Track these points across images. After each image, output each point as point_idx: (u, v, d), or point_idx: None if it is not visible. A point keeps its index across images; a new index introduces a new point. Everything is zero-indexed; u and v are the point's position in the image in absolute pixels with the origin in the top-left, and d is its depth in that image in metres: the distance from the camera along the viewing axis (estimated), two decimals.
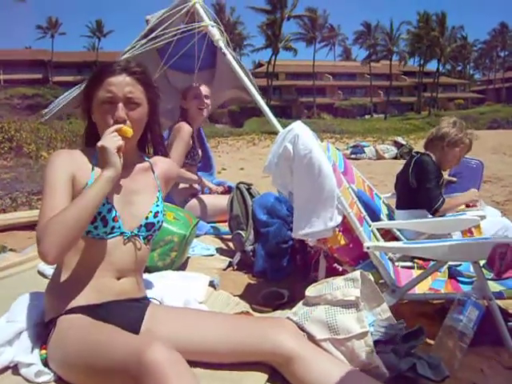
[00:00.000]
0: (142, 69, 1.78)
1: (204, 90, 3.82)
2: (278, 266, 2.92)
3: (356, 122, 41.89)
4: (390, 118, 52.16)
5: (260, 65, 60.60)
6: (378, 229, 2.80)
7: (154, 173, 1.89)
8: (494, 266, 1.97)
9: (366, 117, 54.93)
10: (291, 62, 63.06)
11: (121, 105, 1.69)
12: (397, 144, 15.05)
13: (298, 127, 2.32)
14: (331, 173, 2.25)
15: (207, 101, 3.81)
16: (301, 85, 59.61)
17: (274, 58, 53.54)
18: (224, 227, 3.75)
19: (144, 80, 1.77)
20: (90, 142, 1.81)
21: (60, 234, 1.50)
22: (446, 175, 3.84)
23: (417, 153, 3.39)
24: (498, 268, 1.97)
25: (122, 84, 1.70)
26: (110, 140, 1.62)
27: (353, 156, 14.04)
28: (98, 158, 1.69)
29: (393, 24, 61.17)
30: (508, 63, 73.13)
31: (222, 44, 3.51)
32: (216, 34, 3.53)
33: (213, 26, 3.54)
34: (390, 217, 3.36)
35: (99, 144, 1.62)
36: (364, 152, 14.64)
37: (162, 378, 1.21)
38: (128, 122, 1.70)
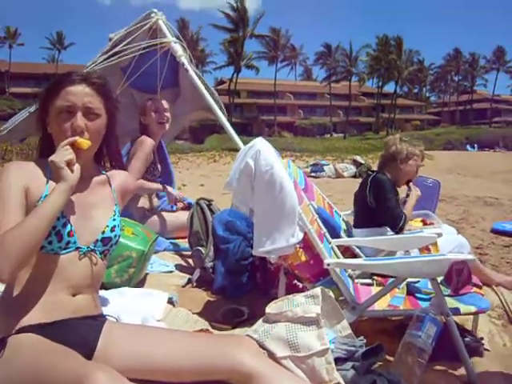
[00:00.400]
0: (102, 80, 1.75)
1: (163, 103, 3.79)
2: (238, 283, 2.89)
3: (316, 141, 42.42)
4: (349, 137, 53.11)
5: (222, 82, 60.87)
6: (337, 246, 2.81)
7: (110, 186, 1.84)
8: (452, 282, 2.00)
9: (326, 136, 55.79)
10: (253, 80, 63.66)
11: (79, 114, 1.65)
12: (356, 163, 15.31)
13: (260, 143, 2.32)
14: (292, 189, 2.25)
15: (167, 114, 3.78)
16: (262, 103, 60.24)
17: (235, 75, 53.92)
18: (184, 243, 3.70)
19: (104, 91, 1.73)
20: (44, 154, 1.75)
21: (14, 251, 1.43)
22: (403, 194, 3.92)
23: (372, 171, 3.44)
24: (455, 284, 2.00)
25: (81, 94, 1.66)
26: (60, 154, 1.57)
27: (313, 174, 14.18)
28: (51, 170, 1.64)
29: (352, 46, 62.69)
30: (461, 87, 75.85)
31: (184, 60, 3.51)
32: (179, 50, 3.54)
33: (175, 43, 3.55)
34: (349, 234, 3.39)
35: (49, 158, 1.57)
36: (323, 170, 14.81)
37: None
38: (86, 133, 1.66)
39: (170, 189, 3.81)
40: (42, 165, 1.70)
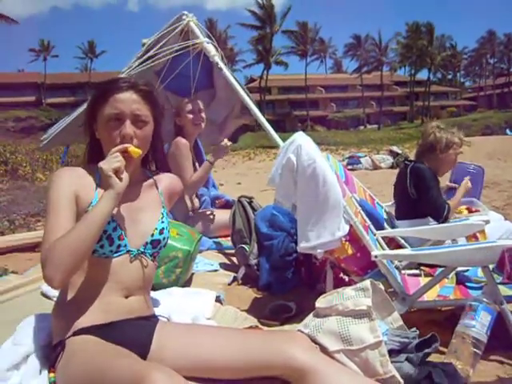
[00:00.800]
0: (149, 87, 1.77)
1: (198, 104, 3.81)
2: (283, 279, 2.89)
3: (350, 134, 42.11)
4: (383, 128, 52.49)
5: (252, 80, 60.88)
6: (382, 238, 2.78)
7: (157, 189, 1.87)
8: (504, 269, 1.95)
9: (360, 128, 55.19)
10: (283, 76, 63.53)
11: (128, 122, 1.67)
12: (392, 153, 15.12)
13: (301, 138, 2.31)
14: (336, 182, 2.24)
15: (202, 114, 3.80)
16: (294, 98, 60.00)
17: (266, 72, 53.89)
18: (227, 242, 3.72)
19: (151, 98, 1.75)
20: (92, 159, 1.79)
21: (64, 258, 1.47)
22: (447, 182, 3.84)
23: (410, 161, 3.37)
24: (508, 271, 1.95)
25: (129, 101, 1.68)
26: (109, 161, 1.59)
27: (349, 167, 14.05)
28: (100, 176, 1.67)
29: (381, 35, 61.84)
30: (498, 69, 73.82)
31: (218, 59, 3.52)
32: (212, 50, 3.55)
33: (208, 43, 3.56)
34: (393, 225, 3.35)
35: (99, 164, 1.60)
36: (360, 162, 14.68)
37: None
38: (135, 140, 1.68)
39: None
40: (90, 170, 1.74)
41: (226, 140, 3.54)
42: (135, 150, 1.64)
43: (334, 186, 2.22)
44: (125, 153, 1.62)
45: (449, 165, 3.35)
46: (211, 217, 3.84)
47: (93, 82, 50.17)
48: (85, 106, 3.46)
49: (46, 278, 1.48)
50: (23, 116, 45.09)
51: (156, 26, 3.68)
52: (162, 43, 3.54)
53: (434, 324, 2.44)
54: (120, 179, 1.59)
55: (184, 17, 3.58)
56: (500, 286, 2.19)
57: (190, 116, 3.75)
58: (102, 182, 1.63)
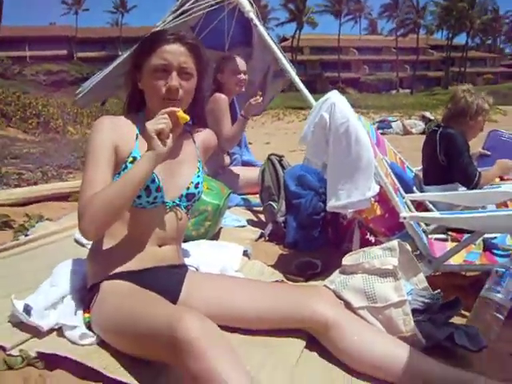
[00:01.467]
0: (196, 41, 1.77)
1: (242, 64, 3.77)
2: (310, 237, 2.91)
3: (382, 97, 41.27)
4: (416, 93, 51.23)
5: (284, 39, 59.79)
6: (411, 201, 2.78)
7: (195, 143, 1.89)
8: None
9: (392, 92, 54.05)
10: (316, 35, 62.38)
11: (175, 73, 1.68)
12: (425, 119, 14.85)
13: (335, 96, 2.30)
14: (368, 142, 2.23)
15: (245, 76, 3.77)
16: (326, 59, 58.87)
17: (298, 32, 52.85)
18: (255, 199, 3.75)
19: (197, 52, 1.76)
20: (133, 109, 1.82)
21: (101, 214, 1.53)
22: (479, 148, 3.78)
23: (439, 126, 3.31)
24: None
25: (176, 53, 1.69)
26: (154, 122, 1.59)
27: (380, 131, 13.79)
28: (141, 127, 1.69)
29: None
30: None
31: (252, 15, 3.49)
32: (246, 5, 3.51)
33: None
34: (422, 190, 3.33)
35: (146, 123, 1.59)
36: (391, 127, 14.50)
37: (195, 350, 1.20)
38: (180, 91, 1.69)
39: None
40: (131, 120, 1.77)
41: (258, 96, 3.50)
42: (184, 116, 1.63)
43: (367, 145, 2.21)
44: (173, 116, 1.61)
45: (476, 131, 3.29)
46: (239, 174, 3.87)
47: (124, 37, 50.00)
48: (120, 59, 3.50)
49: (82, 230, 1.56)
50: (54, 70, 45.31)
51: None
52: None
53: (459, 289, 2.44)
54: (163, 142, 1.59)
55: None
56: None
57: (236, 76, 3.72)
58: (144, 136, 1.64)
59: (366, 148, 2.21)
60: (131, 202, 1.62)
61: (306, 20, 55.84)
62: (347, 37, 61.95)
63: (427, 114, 15.97)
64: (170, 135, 1.61)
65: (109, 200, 1.54)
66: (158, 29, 3.36)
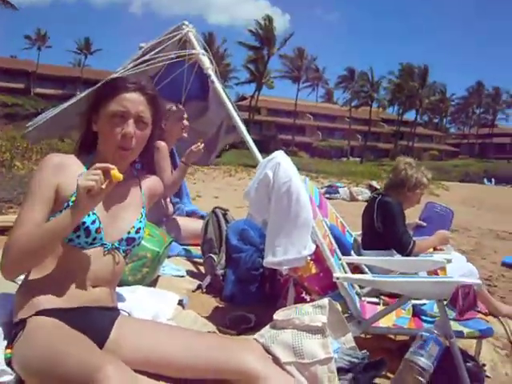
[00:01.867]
0: (155, 92, 1.83)
1: (184, 111, 3.88)
2: (247, 292, 2.95)
3: (332, 164, 42.44)
4: (365, 162, 53.05)
5: (243, 98, 61.24)
6: (347, 264, 2.86)
7: (141, 189, 1.92)
8: (457, 304, 2.04)
9: (343, 159, 55.72)
10: (274, 98, 64.08)
11: (131, 121, 1.72)
12: (371, 188, 15.27)
13: (280, 156, 2.39)
14: (308, 202, 2.32)
15: (187, 122, 3.87)
16: (281, 122, 60.43)
17: (257, 93, 54.32)
18: (196, 250, 3.76)
19: (155, 103, 1.81)
20: (84, 150, 1.83)
21: (20, 257, 1.56)
22: (416, 219, 3.95)
23: (378, 194, 3.47)
24: (460, 306, 2.04)
25: (136, 102, 1.74)
26: (85, 177, 1.53)
27: (327, 196, 14.15)
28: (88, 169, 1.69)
29: (373, 72, 62.88)
30: (482, 120, 75.57)
31: (211, 72, 3.60)
32: (206, 62, 3.62)
33: (203, 55, 3.64)
34: (359, 254, 3.43)
35: (77, 179, 1.54)
36: (338, 192, 14.83)
37: None
38: (134, 140, 1.72)
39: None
40: (82, 160, 1.78)
41: (199, 143, 3.55)
42: (117, 176, 1.57)
43: (306, 205, 2.30)
44: (107, 173, 1.56)
45: (413, 203, 3.46)
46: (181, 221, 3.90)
47: (85, 78, 49.99)
48: (76, 99, 3.52)
49: (1, 267, 1.58)
50: (9, 102, 44.62)
51: (155, 32, 3.74)
52: (159, 49, 3.59)
53: (387, 352, 2.51)
54: (92, 199, 1.54)
55: (184, 26, 3.65)
56: (452, 322, 2.28)
57: (181, 122, 3.81)
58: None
59: (306, 208, 2.30)
60: (51, 251, 1.62)
61: (266, 82, 57.51)
62: (304, 102, 64.16)
63: (374, 183, 16.49)
64: (99, 194, 1.55)
65: (28, 245, 1.55)
66: (118, 75, 3.42)
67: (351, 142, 60.58)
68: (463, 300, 2.06)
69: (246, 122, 3.89)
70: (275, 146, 52.68)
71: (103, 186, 1.53)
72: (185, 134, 3.89)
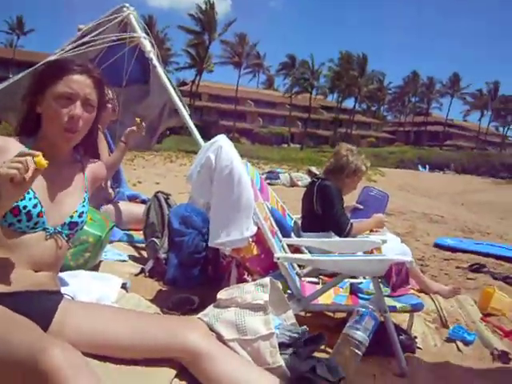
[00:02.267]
0: (101, 76, 1.81)
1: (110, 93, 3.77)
2: (190, 275, 2.98)
3: (273, 150, 42.88)
4: (305, 148, 53.86)
5: (184, 83, 60.49)
6: (288, 245, 2.95)
7: (84, 173, 1.91)
8: (390, 280, 2.16)
9: (283, 145, 56.29)
10: (215, 84, 63.75)
11: (79, 103, 1.70)
12: (310, 173, 15.52)
13: (222, 139, 2.44)
14: (249, 185, 2.38)
15: (110, 105, 3.76)
16: (223, 108, 60.23)
17: (198, 78, 53.85)
18: (138, 235, 3.75)
19: (101, 86, 1.80)
20: (25, 132, 1.80)
21: None
22: (353, 202, 4.10)
23: (317, 178, 3.58)
24: (393, 282, 2.17)
25: (83, 84, 1.72)
26: (8, 165, 1.43)
27: (268, 181, 14.21)
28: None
29: (314, 59, 63.59)
30: (417, 109, 78.16)
31: (153, 56, 3.58)
32: (148, 46, 3.59)
33: (145, 38, 3.61)
34: (299, 236, 3.52)
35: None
36: (279, 178, 15.01)
37: (57, 382, 1.22)
38: (80, 121, 1.71)
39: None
40: (23, 143, 1.74)
41: (137, 120, 3.35)
42: (42, 162, 1.46)
43: (247, 188, 2.36)
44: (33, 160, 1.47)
45: (350, 189, 3.60)
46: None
47: (17, 60, 47.88)
48: (12, 80, 3.40)
49: None
50: None
51: (95, 14, 3.66)
52: (98, 31, 3.53)
53: (326, 328, 2.62)
54: (16, 188, 1.46)
55: (125, 9, 3.59)
56: (386, 298, 2.42)
57: (109, 105, 3.73)
58: None
59: (247, 190, 2.36)
60: None
61: (206, 67, 57.07)
62: (245, 88, 64.09)
63: (313, 168, 16.74)
64: (23, 183, 1.46)
65: None
66: (56, 57, 3.34)
67: (292, 129, 61.25)
68: (396, 276, 2.19)
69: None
70: (216, 131, 52.42)
71: (29, 174, 1.45)
72: (115, 113, 3.76)
